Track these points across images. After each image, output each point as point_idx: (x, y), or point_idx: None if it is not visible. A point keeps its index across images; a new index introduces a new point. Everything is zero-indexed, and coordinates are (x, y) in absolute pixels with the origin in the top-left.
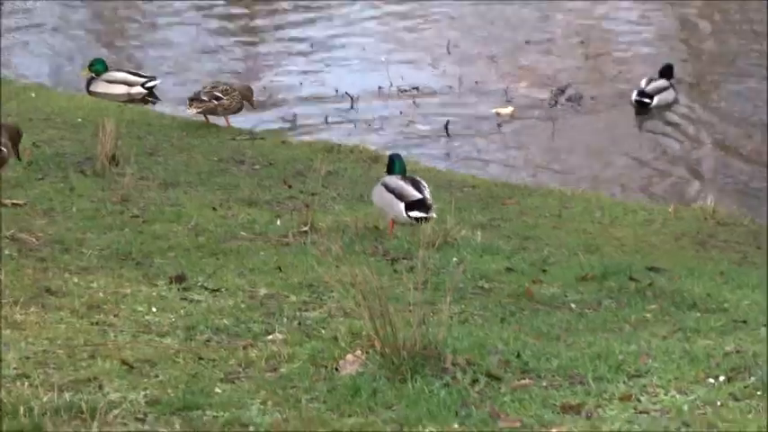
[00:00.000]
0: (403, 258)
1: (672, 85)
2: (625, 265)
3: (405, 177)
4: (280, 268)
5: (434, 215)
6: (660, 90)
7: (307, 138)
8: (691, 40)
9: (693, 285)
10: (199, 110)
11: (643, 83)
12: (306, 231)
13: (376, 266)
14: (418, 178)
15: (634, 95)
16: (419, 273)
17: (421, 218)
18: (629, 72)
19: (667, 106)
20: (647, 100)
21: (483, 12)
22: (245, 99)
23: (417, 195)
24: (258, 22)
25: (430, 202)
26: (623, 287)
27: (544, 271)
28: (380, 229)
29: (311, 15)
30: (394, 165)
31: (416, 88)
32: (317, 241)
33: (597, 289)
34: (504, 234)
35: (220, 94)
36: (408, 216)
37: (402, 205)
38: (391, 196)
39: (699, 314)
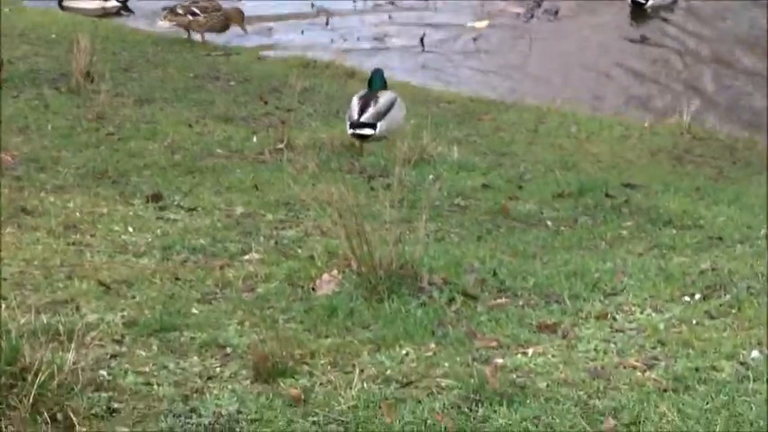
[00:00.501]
0: (379, 176)
1: None
2: (601, 181)
3: (365, 95)
4: (256, 186)
5: (369, 132)
6: None
7: (282, 53)
8: None
9: (669, 201)
10: (172, 23)
11: None
12: (282, 148)
13: (352, 184)
14: (379, 95)
15: None
16: (395, 190)
17: (356, 135)
18: None
19: (664, 8)
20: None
21: None
22: (232, 21)
23: (355, 116)
24: None
25: (366, 121)
26: (599, 204)
27: (520, 187)
28: (355, 147)
29: None
30: (372, 80)
31: (392, 2)
32: (294, 159)
33: (573, 206)
34: (480, 150)
35: (197, 10)
36: (350, 134)
37: (348, 124)
38: (347, 114)
39: (674, 231)
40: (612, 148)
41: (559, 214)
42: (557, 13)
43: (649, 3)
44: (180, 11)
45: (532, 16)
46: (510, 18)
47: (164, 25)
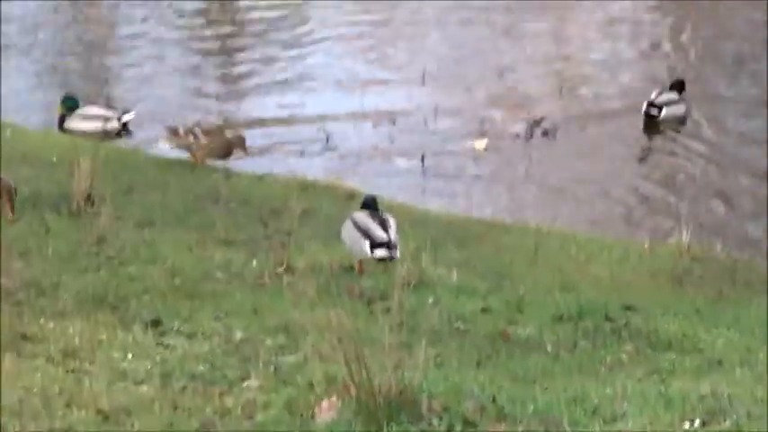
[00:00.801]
0: (379, 299)
1: (683, 99)
2: (601, 304)
3: (373, 215)
4: (255, 311)
5: (398, 255)
6: (670, 102)
7: (282, 175)
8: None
9: (669, 324)
10: (173, 144)
11: (653, 95)
12: (282, 272)
13: (352, 308)
14: (386, 216)
15: (644, 107)
16: (395, 314)
17: (385, 257)
18: (605, 101)
19: (676, 120)
20: (654, 112)
21: (454, 39)
22: (235, 147)
23: (383, 235)
24: (234, 47)
25: (395, 242)
26: (599, 327)
27: (520, 311)
28: (356, 269)
29: (285, 37)
30: (371, 203)
31: (392, 121)
32: (293, 282)
33: (573, 329)
34: (480, 273)
35: (199, 133)
36: (373, 255)
37: (367, 243)
38: (358, 234)
39: (674, 354)
40: (612, 270)
41: (559, 338)
42: (555, 132)
43: (662, 115)
44: (182, 132)
45: (531, 136)
46: (509, 138)
47: (165, 146)
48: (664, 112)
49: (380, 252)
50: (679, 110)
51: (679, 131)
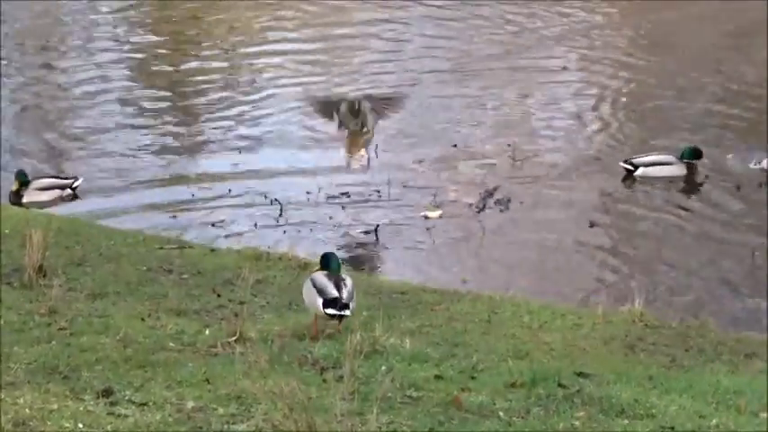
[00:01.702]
0: (332, 367)
1: (675, 163)
2: (554, 370)
3: (330, 275)
4: (208, 380)
5: (349, 313)
6: (655, 163)
7: (235, 245)
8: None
9: (622, 391)
10: None
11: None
12: (234, 341)
13: (304, 377)
14: (344, 276)
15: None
16: (347, 383)
17: (335, 315)
18: (559, 173)
19: (655, 180)
20: (629, 167)
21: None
22: None
23: (335, 294)
24: (183, 122)
25: (346, 301)
26: (552, 394)
27: (473, 378)
28: (310, 338)
29: (234, 112)
30: (328, 262)
31: (345, 193)
32: (246, 351)
33: (526, 396)
34: (433, 341)
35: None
36: (325, 312)
37: (321, 301)
38: (314, 292)
39: (627, 421)
40: (565, 337)
41: (512, 405)
42: (509, 202)
43: (638, 172)
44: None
45: (485, 206)
46: (462, 208)
47: None
48: (641, 171)
49: (331, 310)
50: (664, 171)
51: (631, 202)
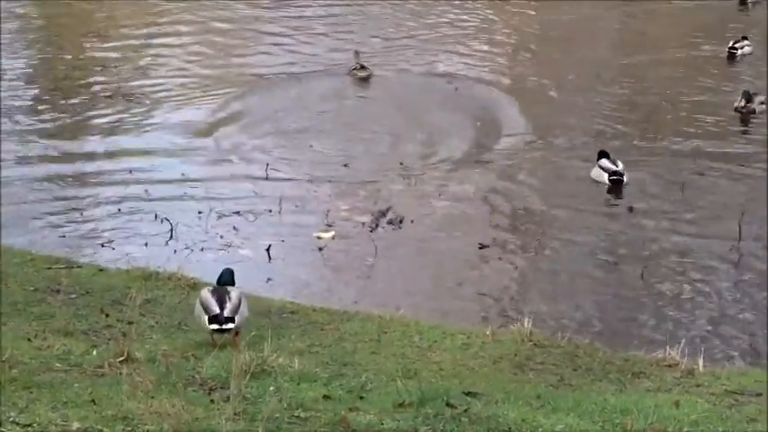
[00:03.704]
0: (220, 387)
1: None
2: (442, 390)
3: (215, 290)
4: (94, 401)
5: (232, 326)
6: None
7: (124, 265)
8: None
9: (509, 410)
10: None
11: (611, 164)
12: (122, 362)
13: (191, 397)
14: (229, 290)
15: (606, 177)
16: (233, 403)
17: (217, 330)
18: (450, 192)
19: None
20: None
21: (298, 128)
22: None
23: (216, 310)
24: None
25: (228, 314)
26: (439, 413)
27: (361, 398)
28: (197, 358)
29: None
30: (221, 277)
31: (237, 212)
32: (133, 372)
33: (414, 415)
34: (322, 360)
35: None
36: (210, 328)
37: (206, 318)
38: (201, 309)
39: None
40: (455, 357)
41: (400, 425)
42: (401, 222)
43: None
44: None
45: (377, 226)
46: (355, 227)
47: None
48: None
49: (213, 326)
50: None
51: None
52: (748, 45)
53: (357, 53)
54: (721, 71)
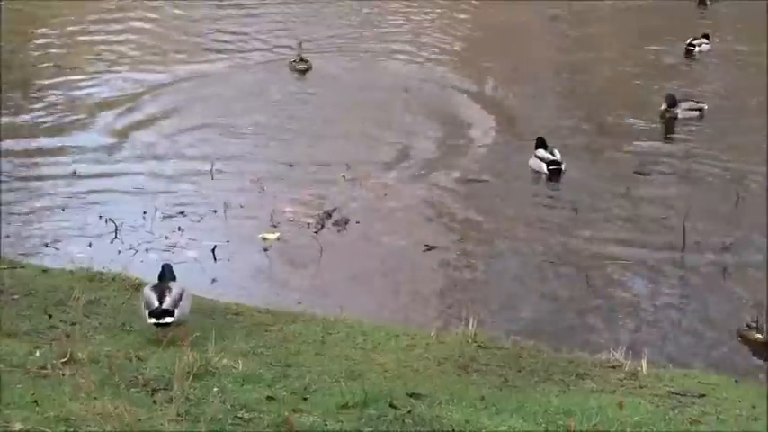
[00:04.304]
0: (163, 388)
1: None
2: (386, 391)
3: (156, 286)
4: (36, 402)
5: (172, 320)
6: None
7: (68, 266)
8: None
9: (453, 411)
10: None
11: (548, 154)
12: (65, 363)
13: (134, 398)
14: (170, 285)
15: (545, 167)
16: (176, 404)
17: (159, 324)
18: (396, 193)
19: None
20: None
21: (242, 130)
22: None
23: (156, 305)
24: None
25: (166, 307)
26: (383, 415)
27: (305, 399)
28: (141, 359)
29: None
30: (162, 274)
31: (182, 213)
32: (76, 373)
33: (358, 417)
34: (266, 361)
35: None
36: (150, 323)
37: (147, 313)
38: (143, 304)
39: None
40: (399, 358)
41: (343, 426)
42: (347, 223)
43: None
44: None
45: (323, 227)
46: (300, 228)
47: None
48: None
49: (153, 320)
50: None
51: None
52: (706, 43)
53: (300, 44)
54: (675, 70)
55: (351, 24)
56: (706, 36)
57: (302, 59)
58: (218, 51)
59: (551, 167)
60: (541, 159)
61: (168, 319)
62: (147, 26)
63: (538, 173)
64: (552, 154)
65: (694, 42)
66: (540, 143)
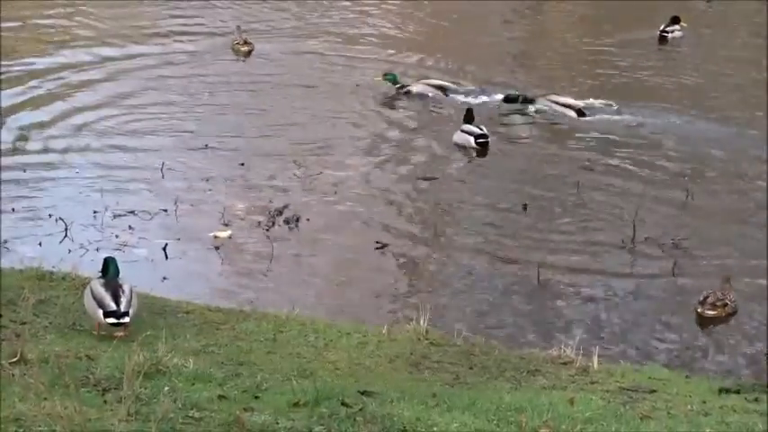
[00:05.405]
0: (114, 388)
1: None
2: (338, 389)
3: (108, 283)
4: None
5: (128, 320)
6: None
7: (17, 265)
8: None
9: (404, 409)
10: None
11: (475, 128)
12: (14, 363)
13: (85, 398)
14: (121, 283)
15: (473, 141)
16: (126, 403)
17: (117, 324)
18: (346, 190)
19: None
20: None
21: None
22: None
23: (113, 305)
24: None
25: (124, 309)
26: (335, 413)
27: (257, 397)
28: (92, 359)
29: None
30: (108, 268)
31: (132, 212)
32: (26, 373)
33: (309, 415)
34: (217, 360)
35: None
36: (106, 322)
37: (101, 312)
38: (94, 303)
39: None
40: (350, 356)
41: (295, 424)
42: (298, 221)
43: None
44: None
45: (273, 224)
46: (251, 226)
47: None
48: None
49: (111, 320)
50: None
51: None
52: (679, 30)
53: (239, 27)
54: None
55: (298, 12)
56: (676, 19)
57: (245, 42)
58: (164, 36)
59: (479, 140)
60: (469, 133)
61: (126, 320)
62: (92, 10)
63: (464, 147)
64: (479, 128)
65: (667, 29)
66: (468, 116)
